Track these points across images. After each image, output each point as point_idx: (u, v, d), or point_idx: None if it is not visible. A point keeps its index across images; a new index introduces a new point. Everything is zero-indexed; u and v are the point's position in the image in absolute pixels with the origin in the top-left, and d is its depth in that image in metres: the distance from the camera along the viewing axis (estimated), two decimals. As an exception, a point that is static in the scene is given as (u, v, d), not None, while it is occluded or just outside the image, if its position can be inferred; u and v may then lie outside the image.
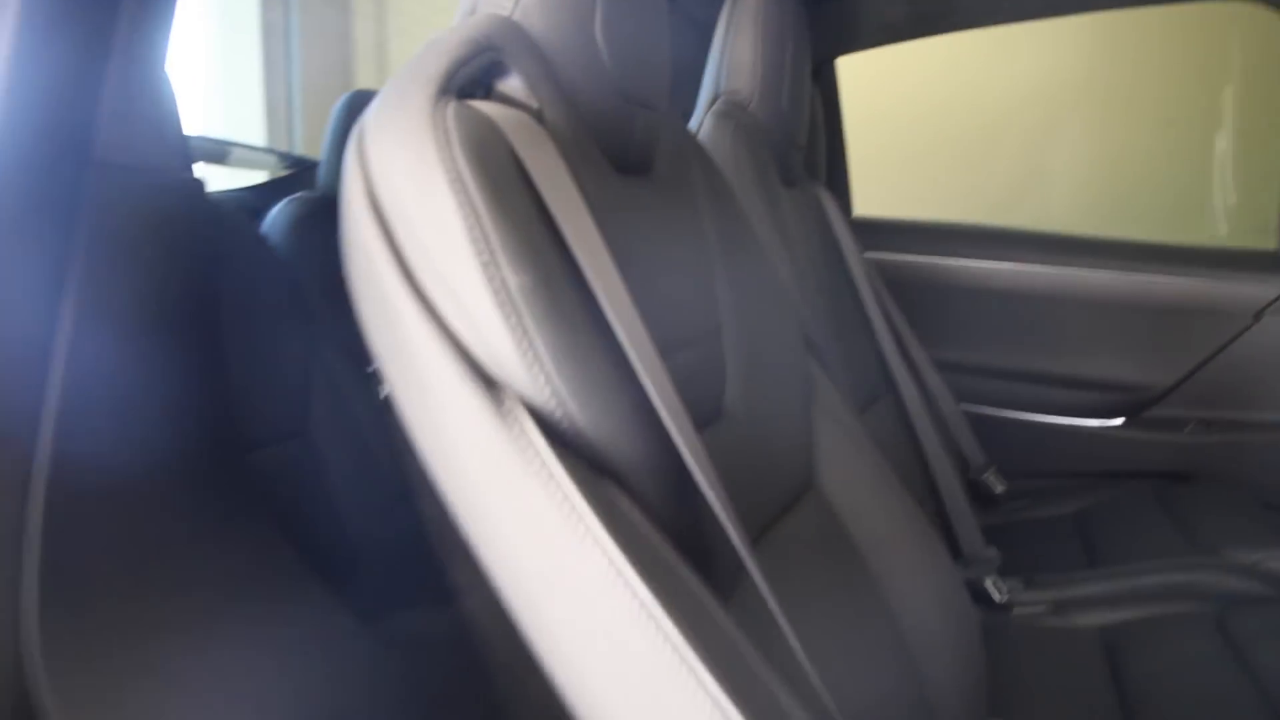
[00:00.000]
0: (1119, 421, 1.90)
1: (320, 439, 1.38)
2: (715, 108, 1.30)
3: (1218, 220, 2.74)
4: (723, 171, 0.96)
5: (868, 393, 1.49)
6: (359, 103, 1.66)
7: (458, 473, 0.51)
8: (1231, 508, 1.56)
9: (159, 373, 0.65)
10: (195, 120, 2.59)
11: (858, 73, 2.18)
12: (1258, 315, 1.78)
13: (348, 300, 1.52)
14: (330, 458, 1.38)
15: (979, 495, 1.79)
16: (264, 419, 1.30)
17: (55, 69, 0.57)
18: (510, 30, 0.62)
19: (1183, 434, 1.85)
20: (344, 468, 1.40)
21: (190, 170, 1.15)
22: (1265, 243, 1.86)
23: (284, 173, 2.19)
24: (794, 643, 0.59)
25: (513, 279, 0.50)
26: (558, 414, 0.51)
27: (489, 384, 0.50)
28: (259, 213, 1.59)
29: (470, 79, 0.58)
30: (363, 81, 3.03)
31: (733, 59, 1.33)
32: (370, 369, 0.57)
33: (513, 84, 0.61)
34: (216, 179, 2.17)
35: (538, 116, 0.62)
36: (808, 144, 1.75)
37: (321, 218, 1.57)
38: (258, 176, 2.23)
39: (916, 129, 2.84)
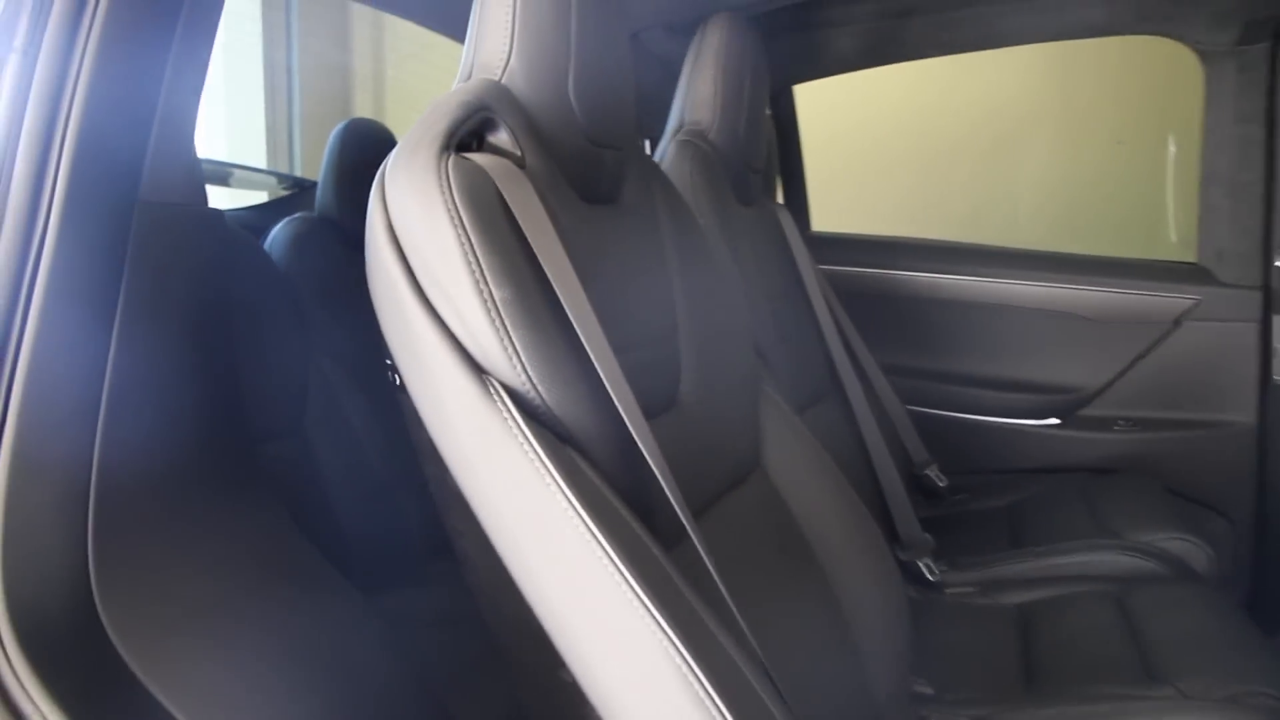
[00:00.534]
0: (1054, 421, 2.05)
1: (315, 436, 1.52)
2: (678, 136, 1.44)
3: (1169, 230, 2.89)
4: (682, 195, 1.12)
5: (813, 391, 1.63)
6: (354, 130, 1.81)
7: (453, 440, 0.66)
8: (1141, 496, 1.71)
9: (185, 378, 0.80)
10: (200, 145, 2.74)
11: (828, 96, 2.34)
12: (1177, 321, 1.93)
13: (342, 312, 1.67)
14: (324, 453, 1.52)
15: (923, 489, 1.93)
16: (266, 417, 1.45)
17: (117, 118, 0.70)
18: (498, 92, 0.77)
19: (1111, 432, 2.00)
20: (336, 462, 1.54)
21: (206, 202, 1.30)
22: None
23: (284, 193, 2.33)
24: (724, 591, 0.72)
25: (496, 292, 0.66)
26: (530, 395, 0.66)
27: (478, 371, 0.66)
28: (261, 231, 1.73)
29: (467, 133, 0.74)
30: (360, 107, 3.18)
31: (695, 93, 1.47)
32: (387, 361, 0.72)
33: (501, 137, 0.77)
34: (220, 199, 2.33)
35: (519, 163, 0.77)
36: (766, 166, 1.92)
37: (319, 236, 1.71)
38: (259, 196, 2.39)
39: (882, 148, 2.99)
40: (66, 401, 0.66)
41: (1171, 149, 2.84)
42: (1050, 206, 2.95)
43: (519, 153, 0.77)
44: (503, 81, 0.78)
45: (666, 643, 0.61)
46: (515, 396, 0.65)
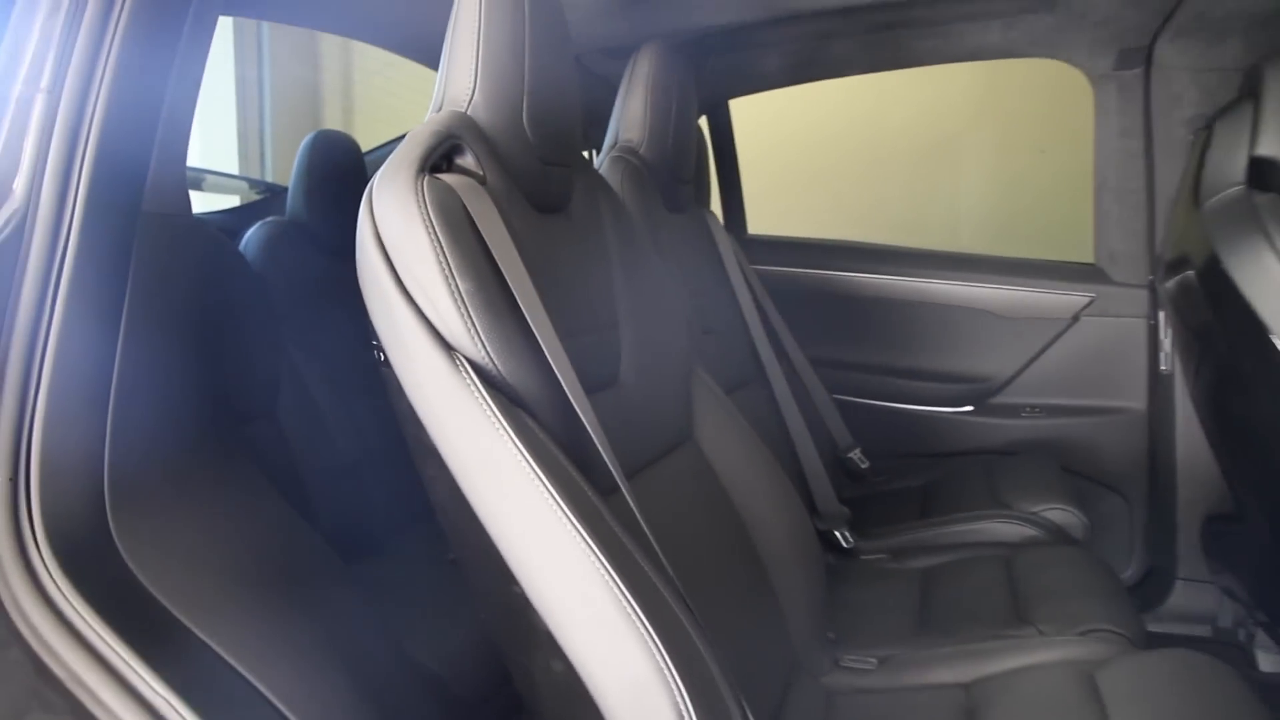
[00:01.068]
0: (968, 408, 2.24)
1: (286, 420, 1.67)
2: (612, 153, 1.61)
3: (1087, 232, 3.09)
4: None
5: (738, 377, 1.81)
6: (322, 141, 1.95)
7: (428, 404, 0.82)
8: (1035, 473, 1.89)
9: (180, 369, 0.95)
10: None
11: (772, 108, 2.51)
12: (1075, 317, 2.13)
13: (311, 308, 1.84)
14: (295, 436, 1.67)
15: (847, 470, 2.12)
16: (242, 402, 1.60)
17: (126, 143, 0.85)
18: (465, 122, 0.94)
19: (1019, 418, 2.20)
20: (306, 444, 1.69)
21: (191, 211, 1.44)
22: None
23: (256, 197, 2.48)
24: (646, 530, 0.88)
25: (462, 285, 0.81)
26: (489, 367, 0.82)
27: (447, 348, 0.81)
28: (234, 233, 1.88)
29: (439, 157, 0.89)
30: (329, 117, 3.33)
31: (628, 113, 1.64)
32: (373, 342, 0.87)
33: (467, 160, 0.93)
34: (195, 203, 2.46)
35: (482, 181, 0.92)
36: (700, 176, 2.09)
37: (290, 239, 1.86)
38: (231, 200, 2.53)
39: (822, 156, 3.17)
40: (85, 386, 0.82)
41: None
42: (978, 210, 3.15)
43: (481, 173, 0.93)
44: (468, 113, 0.95)
45: (595, 561, 0.76)
46: (477, 368, 0.81)
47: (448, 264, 0.81)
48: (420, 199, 0.82)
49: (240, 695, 0.79)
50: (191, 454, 0.95)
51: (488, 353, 0.81)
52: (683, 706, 0.75)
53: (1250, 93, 1.56)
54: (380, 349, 0.86)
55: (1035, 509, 1.71)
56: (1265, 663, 1.87)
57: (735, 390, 1.75)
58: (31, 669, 0.70)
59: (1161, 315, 2.01)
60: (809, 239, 2.42)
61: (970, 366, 2.23)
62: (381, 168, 0.87)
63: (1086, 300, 2.11)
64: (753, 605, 1.23)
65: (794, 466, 1.84)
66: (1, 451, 0.74)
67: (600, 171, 1.59)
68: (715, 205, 2.39)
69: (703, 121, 2.37)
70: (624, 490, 0.86)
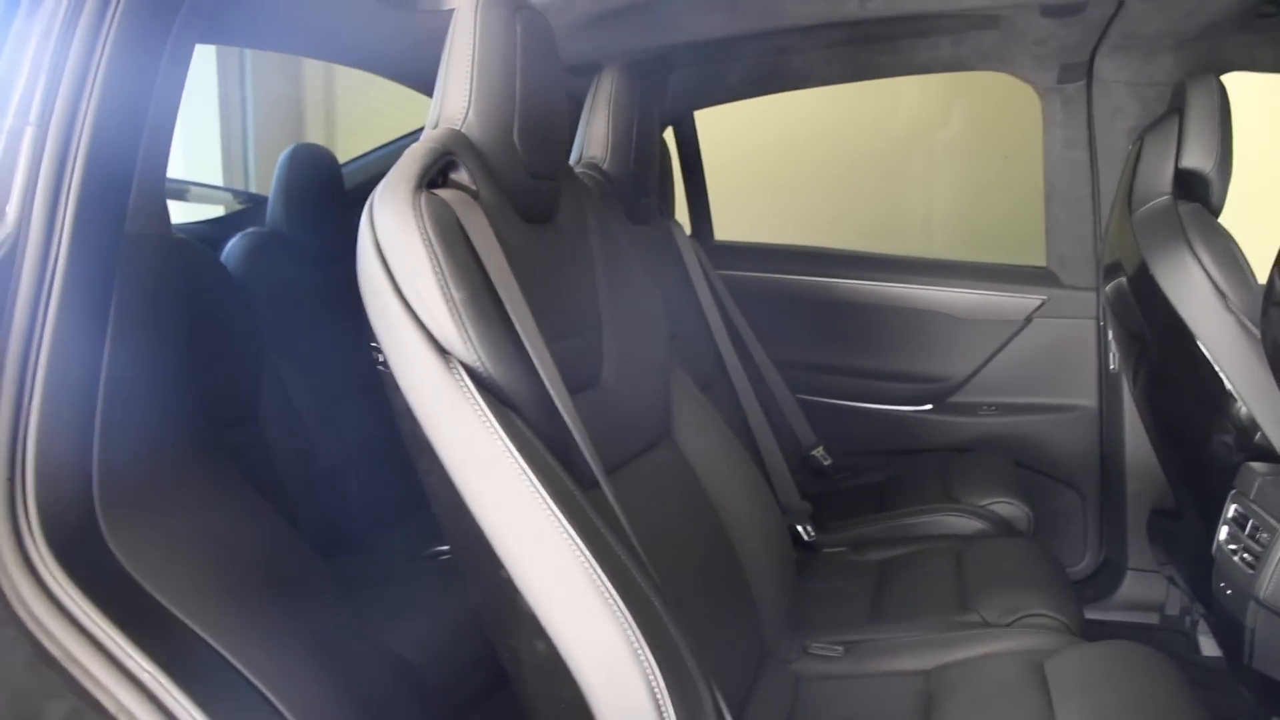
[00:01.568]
0: (928, 407, 2.33)
1: (267, 424, 1.74)
2: (576, 169, 1.70)
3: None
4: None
5: (703, 378, 1.88)
6: (300, 154, 2.03)
7: (423, 403, 0.88)
8: (986, 469, 1.98)
9: (162, 379, 1.02)
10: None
11: (742, 118, 2.59)
12: (1028, 319, 2.22)
13: (290, 315, 1.92)
14: (275, 439, 1.74)
15: (810, 468, 2.20)
16: (223, 407, 1.67)
17: (109, 170, 0.92)
18: (459, 139, 1.00)
19: (976, 416, 2.29)
20: (286, 447, 1.76)
21: (169, 229, 1.51)
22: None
23: (239, 207, 2.55)
24: (624, 523, 0.93)
25: (456, 294, 0.87)
26: (481, 370, 0.87)
27: (442, 352, 0.87)
28: (217, 241, 1.95)
29: (435, 173, 0.95)
30: (312, 130, 3.41)
31: (591, 131, 1.73)
32: (372, 344, 0.92)
33: (461, 175, 0.99)
34: (179, 212, 2.54)
35: (475, 195, 0.98)
36: (666, 187, 2.18)
37: (270, 250, 1.94)
38: (215, 210, 2.60)
39: (793, 164, 3.26)
40: (75, 394, 0.89)
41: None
42: (946, 216, 3.24)
43: (474, 188, 0.99)
44: (462, 130, 1.01)
45: (576, 549, 0.83)
46: (470, 371, 0.87)
47: (443, 274, 0.87)
48: (418, 213, 0.88)
49: (219, 673, 0.86)
50: (176, 455, 1.03)
51: (480, 356, 0.87)
52: (655, 683, 0.81)
53: (1176, 108, 1.66)
54: (379, 350, 0.92)
55: (983, 502, 1.80)
56: (1207, 647, 1.97)
57: (701, 391, 1.83)
58: (28, 647, 0.78)
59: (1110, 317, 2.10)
60: (774, 245, 2.51)
61: (929, 367, 2.32)
62: (381, 182, 0.93)
63: (1039, 302, 2.21)
64: (726, 593, 1.30)
65: (758, 464, 1.92)
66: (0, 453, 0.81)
67: None
68: (683, 213, 2.48)
69: (671, 132, 2.46)
70: (604, 485, 0.93)
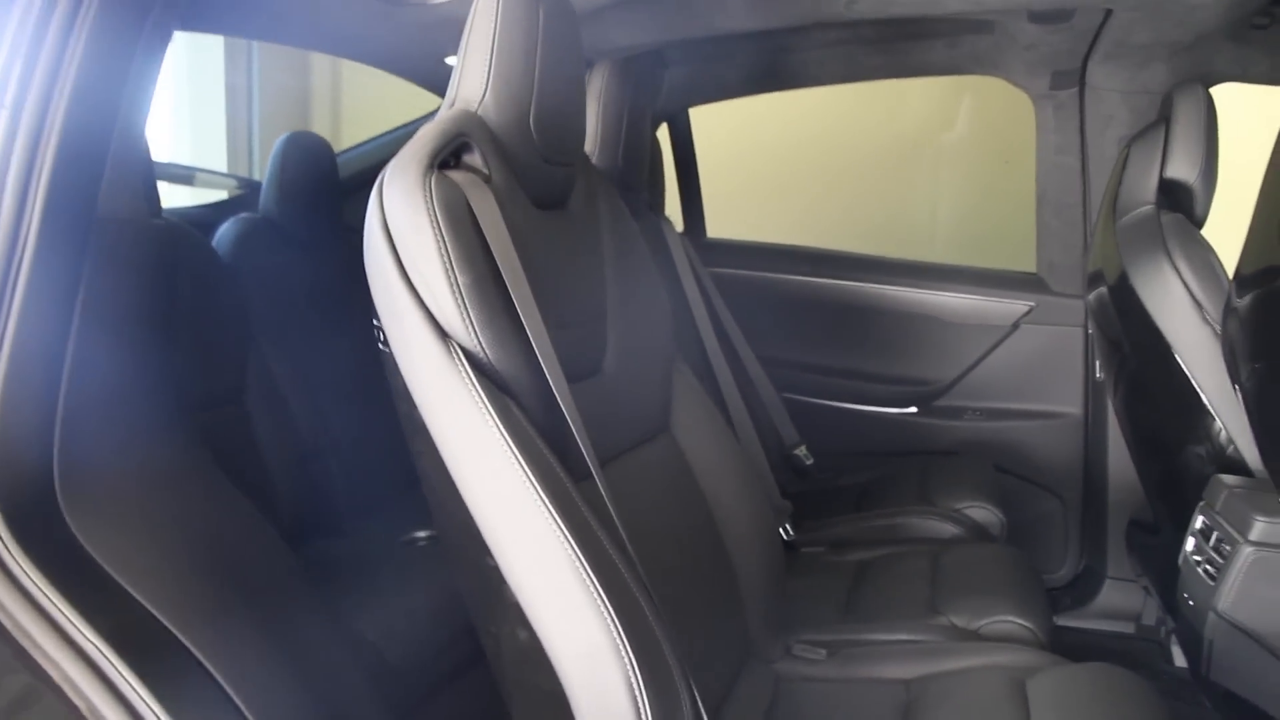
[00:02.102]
0: (913, 410, 2.33)
1: (253, 407, 1.77)
2: None
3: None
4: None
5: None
6: (294, 142, 2.04)
7: (421, 385, 0.88)
8: (964, 473, 1.98)
9: (136, 360, 1.04)
10: (164, 150, 3.01)
11: (739, 117, 2.59)
12: (1015, 324, 2.22)
13: (279, 301, 1.94)
14: (259, 422, 1.77)
15: (793, 467, 2.21)
16: (208, 389, 1.70)
17: (82, 156, 0.94)
18: (474, 121, 0.98)
19: (961, 420, 2.29)
20: (270, 430, 1.78)
21: (159, 210, 1.52)
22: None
23: (240, 193, 2.58)
24: (615, 517, 0.92)
25: (460, 279, 0.86)
26: (480, 355, 0.87)
27: (443, 335, 0.86)
28: (212, 227, 1.97)
29: (448, 154, 0.94)
30: (318, 119, 3.44)
31: None
32: (375, 322, 0.92)
33: (474, 158, 0.98)
34: (184, 196, 2.58)
35: (486, 179, 0.97)
36: (656, 183, 2.19)
37: (261, 235, 1.96)
38: (220, 195, 2.63)
39: (789, 165, 3.25)
40: (38, 375, 0.90)
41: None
42: (946, 220, 3.23)
43: (486, 171, 0.98)
44: (478, 112, 0.99)
45: (563, 540, 0.83)
46: (469, 356, 0.87)
47: (449, 258, 0.86)
48: (427, 195, 0.88)
49: (168, 650, 0.88)
50: (143, 436, 1.05)
51: (480, 342, 0.87)
52: (634, 679, 0.82)
53: (1164, 117, 1.65)
54: (380, 329, 0.92)
55: (958, 507, 1.81)
56: (1180, 658, 1.97)
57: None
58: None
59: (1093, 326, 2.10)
60: (765, 243, 2.52)
61: (915, 369, 2.32)
62: (392, 161, 0.92)
63: (1027, 308, 2.20)
64: (713, 590, 1.31)
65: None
66: None
67: None
68: (676, 211, 2.49)
69: (666, 129, 2.46)
70: (597, 478, 0.93)
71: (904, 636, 1.41)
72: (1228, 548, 1.33)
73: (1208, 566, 1.37)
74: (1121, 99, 1.94)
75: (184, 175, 2.58)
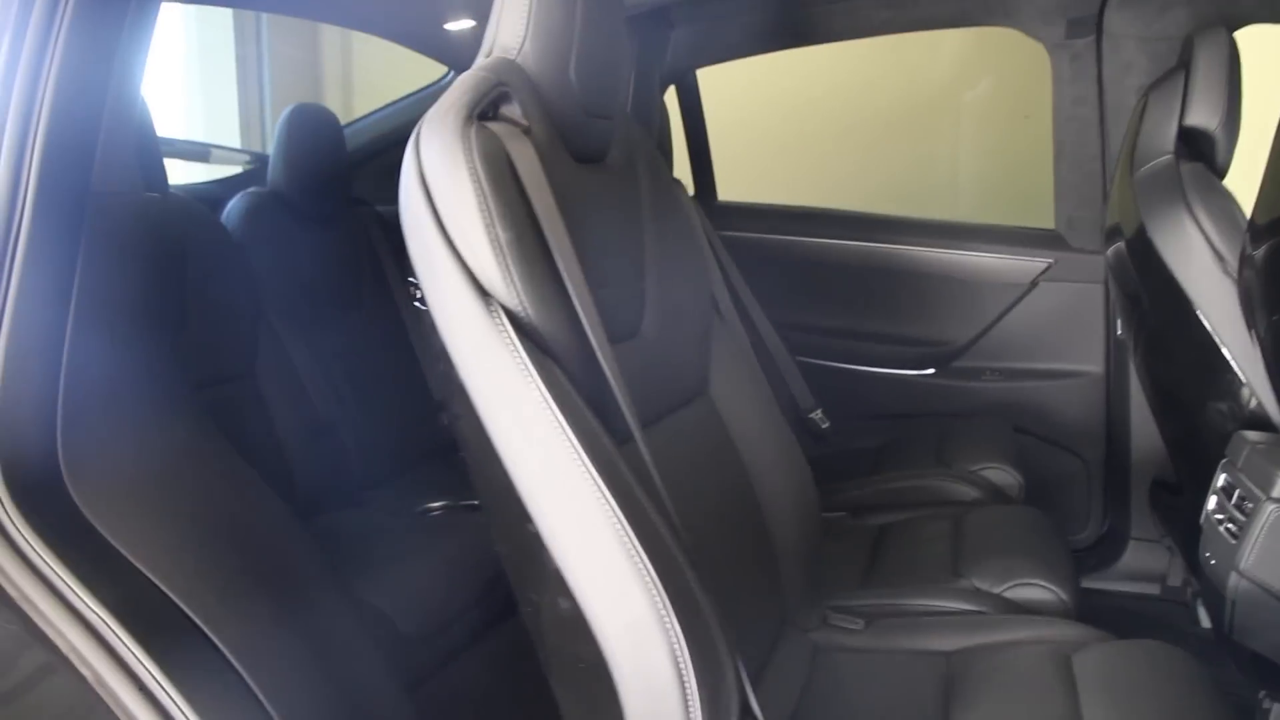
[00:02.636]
0: (930, 371, 2.30)
1: (264, 381, 1.78)
2: None
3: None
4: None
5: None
6: (300, 114, 2.03)
7: (461, 345, 0.84)
8: (982, 434, 1.96)
9: (138, 334, 1.04)
10: (177, 126, 3.02)
11: (755, 73, 2.55)
12: (1034, 282, 2.17)
13: (289, 274, 1.94)
14: (271, 395, 1.78)
15: (810, 431, 2.19)
16: (219, 364, 1.71)
17: (74, 127, 0.94)
18: (513, 70, 0.94)
19: (980, 380, 2.26)
20: (282, 403, 1.79)
21: (165, 185, 1.51)
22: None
23: (250, 167, 2.58)
24: (657, 482, 0.90)
25: (502, 235, 0.82)
26: (522, 315, 0.83)
27: (484, 295, 0.83)
28: (222, 202, 1.98)
29: (486, 104, 0.89)
30: (329, 94, 3.43)
31: None
32: (410, 279, 0.89)
33: (513, 109, 0.93)
34: (197, 172, 2.59)
35: (526, 131, 0.92)
36: (664, 147, 2.16)
37: (269, 209, 1.96)
38: (234, 169, 2.63)
39: (805, 123, 3.20)
40: (38, 350, 0.90)
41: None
42: (960, 177, 3.17)
43: (526, 123, 0.93)
44: (517, 60, 0.95)
45: (607, 507, 0.80)
46: (511, 315, 0.83)
47: (490, 213, 0.82)
48: (467, 147, 0.84)
49: (171, 619, 0.89)
50: (147, 412, 1.05)
51: (522, 301, 0.84)
52: (679, 652, 0.79)
53: (1184, 63, 1.60)
54: (416, 287, 0.89)
55: (974, 468, 1.79)
56: (1205, 620, 1.94)
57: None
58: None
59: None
60: (776, 205, 2.48)
61: (932, 330, 2.29)
62: (429, 112, 0.88)
63: (1045, 265, 2.16)
64: (751, 557, 1.28)
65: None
66: None
67: None
68: (686, 175, 2.45)
69: (673, 91, 2.42)
70: (639, 440, 0.90)
71: (935, 603, 1.39)
72: (1250, 505, 1.30)
73: (1230, 525, 1.34)
74: (1140, 46, 1.88)
75: (196, 151, 2.58)
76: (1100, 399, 2.18)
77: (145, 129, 1.35)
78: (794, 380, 2.16)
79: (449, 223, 0.83)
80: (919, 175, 3.23)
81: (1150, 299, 1.62)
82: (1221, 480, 1.40)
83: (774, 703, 1.17)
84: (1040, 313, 2.19)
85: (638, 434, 0.90)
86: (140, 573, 0.90)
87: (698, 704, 0.80)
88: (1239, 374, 1.41)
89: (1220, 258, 1.41)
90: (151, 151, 1.43)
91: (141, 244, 1.08)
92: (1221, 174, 1.55)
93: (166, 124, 1.22)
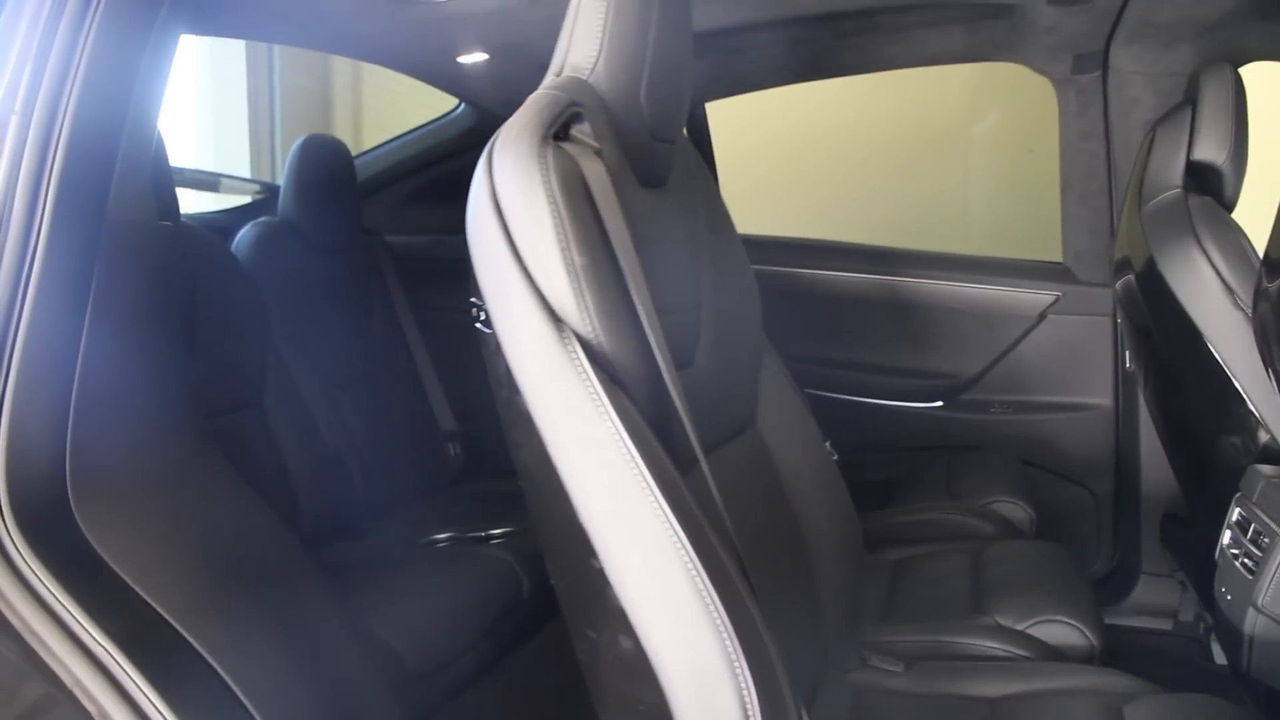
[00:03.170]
0: (938, 404, 2.29)
1: (272, 410, 1.78)
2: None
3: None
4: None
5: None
6: (312, 145, 2.05)
7: (528, 370, 0.81)
8: (992, 467, 1.95)
9: (149, 362, 1.04)
10: (188, 156, 3.04)
11: (762, 107, 2.57)
12: (1041, 315, 2.17)
13: (299, 303, 1.95)
14: (279, 425, 1.78)
15: (818, 463, 2.18)
16: (227, 393, 1.71)
17: (91, 158, 0.94)
18: (586, 90, 0.92)
19: (988, 413, 2.25)
20: (290, 433, 1.79)
21: (178, 214, 1.52)
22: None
23: (261, 198, 2.60)
24: (723, 513, 0.88)
25: (578, 259, 0.80)
26: (595, 342, 0.80)
27: (556, 321, 0.80)
28: (232, 232, 1.99)
29: (560, 124, 0.87)
30: (339, 125, 3.47)
31: None
32: (473, 300, 0.84)
33: (585, 129, 0.90)
34: (207, 202, 2.61)
35: (598, 153, 0.90)
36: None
37: (280, 239, 1.97)
38: (243, 199, 2.65)
39: (811, 154, 3.22)
40: (49, 377, 0.91)
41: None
42: (966, 211, 3.19)
43: (597, 145, 0.91)
44: (589, 81, 0.93)
45: (677, 541, 0.76)
46: (583, 342, 0.80)
47: (566, 237, 0.80)
48: (544, 167, 0.81)
49: (178, 653, 0.88)
50: (155, 440, 1.05)
51: (595, 328, 0.81)
52: (748, 700, 0.75)
53: (1190, 98, 1.61)
54: (482, 309, 0.86)
55: (984, 501, 1.77)
56: (1220, 655, 1.91)
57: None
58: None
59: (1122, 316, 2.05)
60: (784, 238, 2.49)
61: (940, 363, 2.28)
62: (501, 130, 0.86)
63: (1053, 298, 2.16)
64: (794, 596, 1.25)
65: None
66: None
67: None
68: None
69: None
70: (702, 465, 0.86)
71: (961, 640, 1.36)
72: (1266, 540, 1.28)
73: (1246, 560, 1.33)
74: (1146, 81, 1.90)
75: (207, 181, 2.60)
76: (1109, 432, 2.17)
77: (160, 160, 1.37)
78: (802, 412, 2.15)
79: (522, 245, 0.81)
80: (927, 208, 3.24)
81: (1160, 332, 1.62)
82: (1236, 515, 1.38)
83: (823, 749, 1.13)
84: (1048, 345, 2.19)
85: (701, 459, 0.87)
86: (146, 603, 0.89)
87: None
88: (1252, 408, 1.41)
89: (1231, 291, 1.41)
90: (165, 181, 1.45)
91: (156, 274, 1.09)
92: (1229, 208, 1.56)
93: (178, 153, 1.23)
